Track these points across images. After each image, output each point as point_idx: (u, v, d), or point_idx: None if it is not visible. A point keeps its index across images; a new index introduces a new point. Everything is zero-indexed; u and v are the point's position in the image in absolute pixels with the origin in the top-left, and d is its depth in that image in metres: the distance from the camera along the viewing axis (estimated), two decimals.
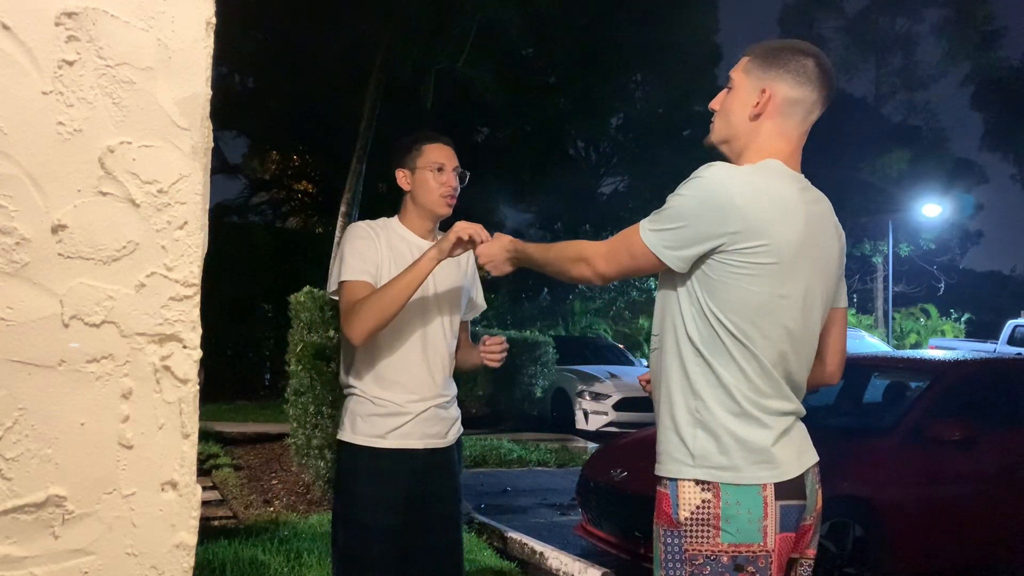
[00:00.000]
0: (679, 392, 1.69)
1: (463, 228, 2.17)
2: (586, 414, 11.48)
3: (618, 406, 11.21)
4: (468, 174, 2.50)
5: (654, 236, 1.68)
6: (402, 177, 2.47)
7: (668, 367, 1.72)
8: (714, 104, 1.81)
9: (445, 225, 2.45)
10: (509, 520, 5.84)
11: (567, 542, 5.24)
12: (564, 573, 4.55)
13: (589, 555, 4.81)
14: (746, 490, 1.61)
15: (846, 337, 1.93)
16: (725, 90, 1.80)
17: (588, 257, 1.81)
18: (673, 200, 1.68)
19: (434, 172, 2.42)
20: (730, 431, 1.62)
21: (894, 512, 4.46)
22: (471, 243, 2.18)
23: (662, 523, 1.67)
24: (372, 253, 2.35)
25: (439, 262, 2.22)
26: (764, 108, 1.71)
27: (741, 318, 1.63)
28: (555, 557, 4.68)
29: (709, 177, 1.64)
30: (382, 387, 2.35)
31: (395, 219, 2.50)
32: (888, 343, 22.04)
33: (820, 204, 1.76)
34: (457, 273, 2.49)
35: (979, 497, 4.74)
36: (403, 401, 2.35)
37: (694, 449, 1.64)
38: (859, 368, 6.22)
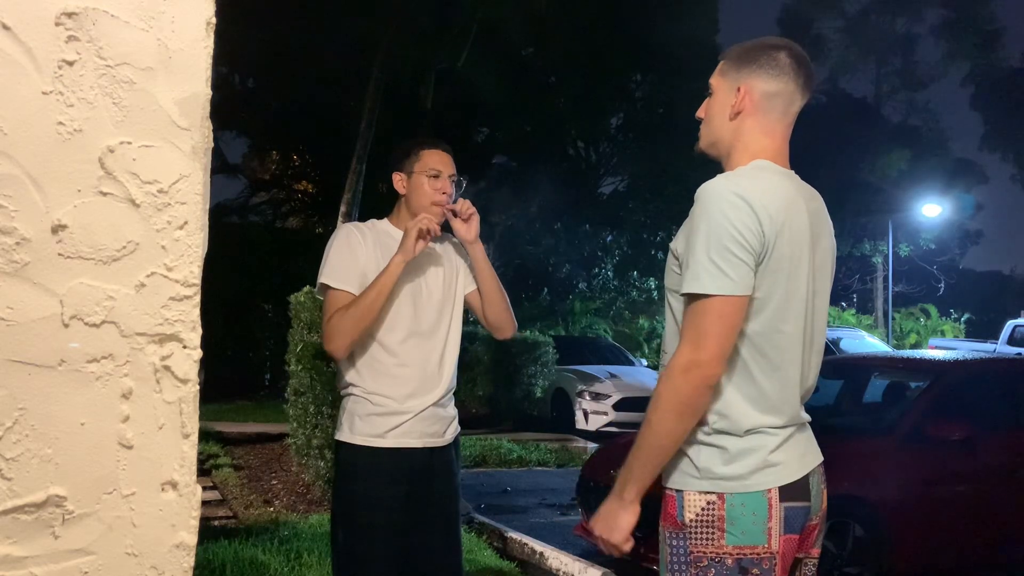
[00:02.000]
0: None
1: (418, 222, 2.31)
2: (586, 414, 11.48)
3: (618, 406, 11.21)
4: (465, 182, 2.51)
5: (720, 282, 1.53)
6: (398, 180, 2.48)
7: None
8: (699, 113, 1.81)
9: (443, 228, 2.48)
10: (509, 520, 5.84)
11: (567, 542, 5.24)
12: (564, 573, 4.55)
13: (589, 555, 4.81)
14: (751, 493, 1.60)
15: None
16: (708, 98, 1.80)
17: (682, 364, 1.55)
18: (699, 241, 1.56)
19: (430, 178, 2.43)
20: (734, 446, 1.61)
21: (894, 512, 4.47)
22: (430, 234, 2.33)
23: (667, 525, 1.66)
24: (358, 257, 2.37)
25: (405, 263, 2.29)
26: (743, 105, 1.71)
27: (766, 327, 1.61)
28: (555, 557, 4.68)
29: (714, 194, 1.59)
30: (380, 383, 2.35)
31: (384, 220, 2.52)
32: (888, 343, 22.04)
33: (815, 201, 1.75)
34: (445, 264, 2.50)
35: (979, 497, 4.74)
36: (402, 397, 2.35)
37: (698, 463, 1.63)
38: (859, 368, 6.22)
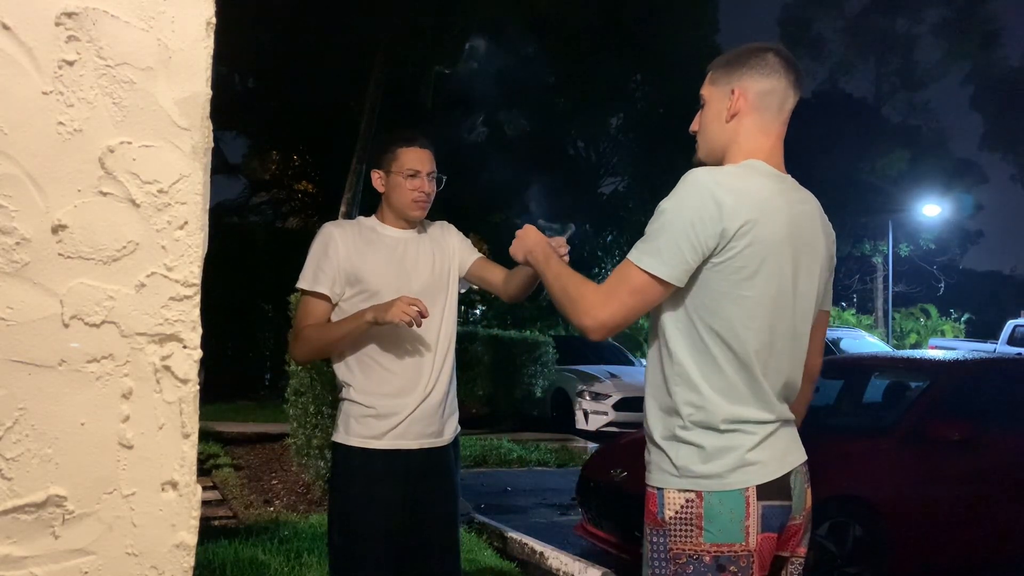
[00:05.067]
0: (661, 409, 1.70)
1: (403, 312, 2.19)
2: (586, 414, 11.48)
3: (618, 406, 11.21)
4: (445, 178, 2.50)
5: (652, 260, 1.61)
6: (377, 179, 2.47)
7: (652, 383, 1.73)
8: (693, 127, 1.83)
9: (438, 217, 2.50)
10: (509, 520, 5.84)
11: (567, 542, 5.24)
12: (564, 573, 4.55)
13: (589, 555, 4.81)
14: (729, 491, 1.62)
15: (825, 338, 1.93)
16: (700, 110, 1.82)
17: (585, 306, 1.66)
18: (660, 217, 1.64)
19: (407, 177, 2.41)
20: (711, 444, 1.63)
21: (894, 512, 4.46)
22: (410, 326, 2.24)
23: (649, 522, 1.69)
24: (332, 258, 2.36)
25: (372, 325, 2.25)
26: (738, 107, 1.73)
27: (731, 323, 1.63)
28: (555, 557, 4.68)
29: (691, 182, 1.63)
30: (372, 378, 2.34)
31: (372, 217, 2.51)
32: (888, 343, 22.04)
33: (807, 204, 1.76)
34: (435, 254, 2.49)
35: (979, 497, 4.74)
36: (395, 393, 2.33)
37: (677, 461, 1.65)
38: (859, 368, 6.22)
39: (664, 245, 1.60)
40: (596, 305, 1.64)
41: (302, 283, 2.38)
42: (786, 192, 1.71)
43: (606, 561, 4.62)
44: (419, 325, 2.25)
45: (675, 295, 1.65)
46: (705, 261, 1.61)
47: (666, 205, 1.64)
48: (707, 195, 1.60)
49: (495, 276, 2.53)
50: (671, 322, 1.67)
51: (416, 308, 2.21)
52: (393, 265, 2.38)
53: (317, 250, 2.39)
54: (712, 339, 1.63)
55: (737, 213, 1.60)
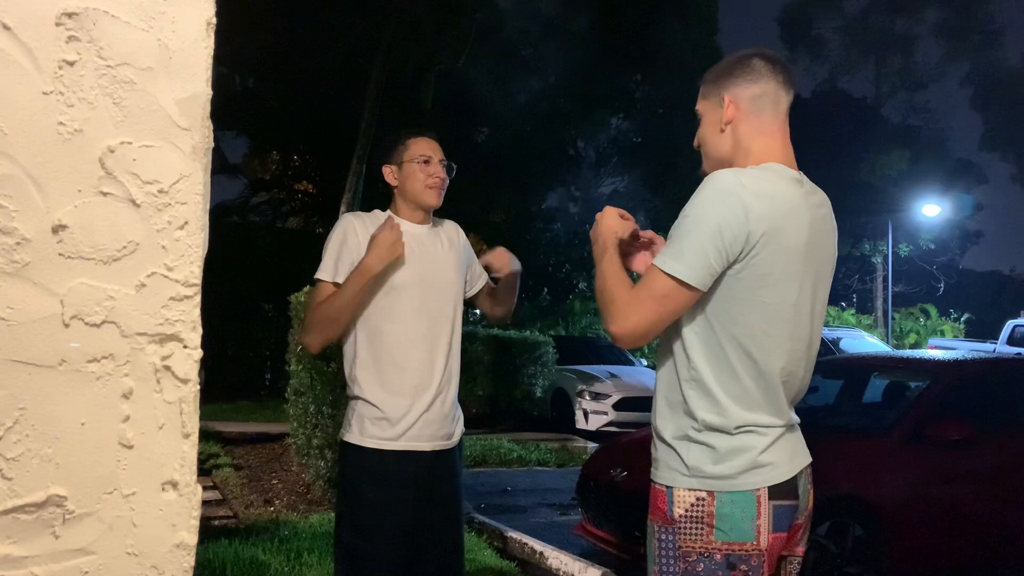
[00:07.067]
0: (673, 409, 1.69)
1: (395, 243, 2.27)
2: (586, 414, 11.48)
3: (618, 406, 11.21)
4: (455, 166, 2.51)
5: (677, 263, 1.59)
6: (389, 173, 2.47)
7: (664, 383, 1.73)
8: (696, 143, 1.84)
9: (441, 215, 2.54)
10: (509, 520, 5.84)
11: (567, 542, 5.24)
12: (564, 573, 4.55)
13: (589, 555, 4.81)
14: (741, 492, 1.62)
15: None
16: (698, 128, 1.83)
17: (614, 313, 1.65)
18: (685, 221, 1.62)
19: (421, 164, 2.43)
20: (723, 446, 1.63)
21: (894, 512, 4.46)
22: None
23: (657, 519, 1.68)
24: (352, 248, 2.35)
25: (371, 276, 2.27)
26: (731, 114, 1.74)
27: (752, 330, 1.62)
28: (555, 557, 4.68)
29: (718, 184, 1.62)
30: (388, 379, 2.33)
31: (387, 212, 2.51)
32: (888, 343, 22.03)
33: (823, 208, 1.76)
34: (454, 256, 2.49)
35: (979, 497, 4.74)
36: (410, 392, 2.33)
37: (688, 461, 1.65)
38: (859, 368, 6.22)
39: (689, 249, 1.58)
40: (622, 313, 1.63)
41: (323, 275, 2.33)
42: (807, 197, 1.70)
43: (606, 561, 4.62)
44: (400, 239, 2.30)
45: (697, 304, 1.64)
46: (729, 267, 1.60)
47: (690, 211, 1.62)
48: (734, 199, 1.58)
49: (490, 304, 2.68)
50: (689, 326, 1.66)
51: (395, 231, 2.27)
52: (414, 259, 2.37)
53: (337, 240, 2.36)
54: (732, 346, 1.63)
55: (764, 218, 1.59)
